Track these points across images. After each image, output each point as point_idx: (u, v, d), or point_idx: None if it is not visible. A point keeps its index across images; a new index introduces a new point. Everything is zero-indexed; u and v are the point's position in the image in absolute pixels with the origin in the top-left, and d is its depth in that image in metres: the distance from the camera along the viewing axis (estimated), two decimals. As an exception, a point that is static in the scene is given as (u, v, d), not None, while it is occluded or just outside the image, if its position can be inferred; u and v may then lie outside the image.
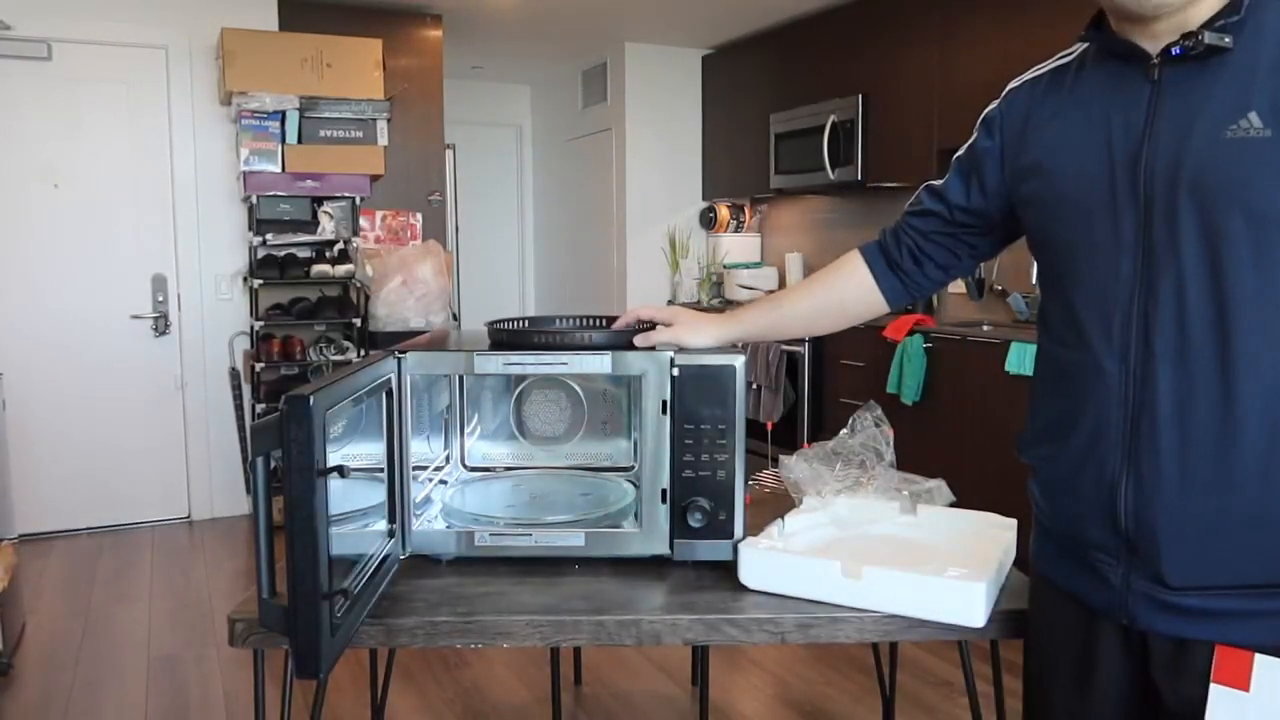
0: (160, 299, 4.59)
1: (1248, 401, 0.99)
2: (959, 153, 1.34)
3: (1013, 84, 1.26)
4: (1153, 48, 1.06)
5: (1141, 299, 1.05)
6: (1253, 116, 0.98)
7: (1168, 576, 1.05)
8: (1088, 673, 1.16)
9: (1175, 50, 1.03)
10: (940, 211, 1.35)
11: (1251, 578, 1.01)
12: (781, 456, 1.61)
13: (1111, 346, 1.07)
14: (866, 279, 1.43)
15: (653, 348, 1.47)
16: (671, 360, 1.44)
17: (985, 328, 3.99)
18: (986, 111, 1.28)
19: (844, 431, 1.59)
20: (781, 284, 5.78)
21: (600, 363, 1.47)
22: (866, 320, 1.48)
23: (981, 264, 1.49)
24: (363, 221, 4.89)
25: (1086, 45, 1.17)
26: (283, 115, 4.41)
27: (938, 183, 1.37)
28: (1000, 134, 1.25)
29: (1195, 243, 1.01)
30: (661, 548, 1.47)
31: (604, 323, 1.69)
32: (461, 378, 1.76)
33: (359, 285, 4.67)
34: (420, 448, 1.61)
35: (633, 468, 1.73)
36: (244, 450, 4.70)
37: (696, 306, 5.87)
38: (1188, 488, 1.02)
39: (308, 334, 4.65)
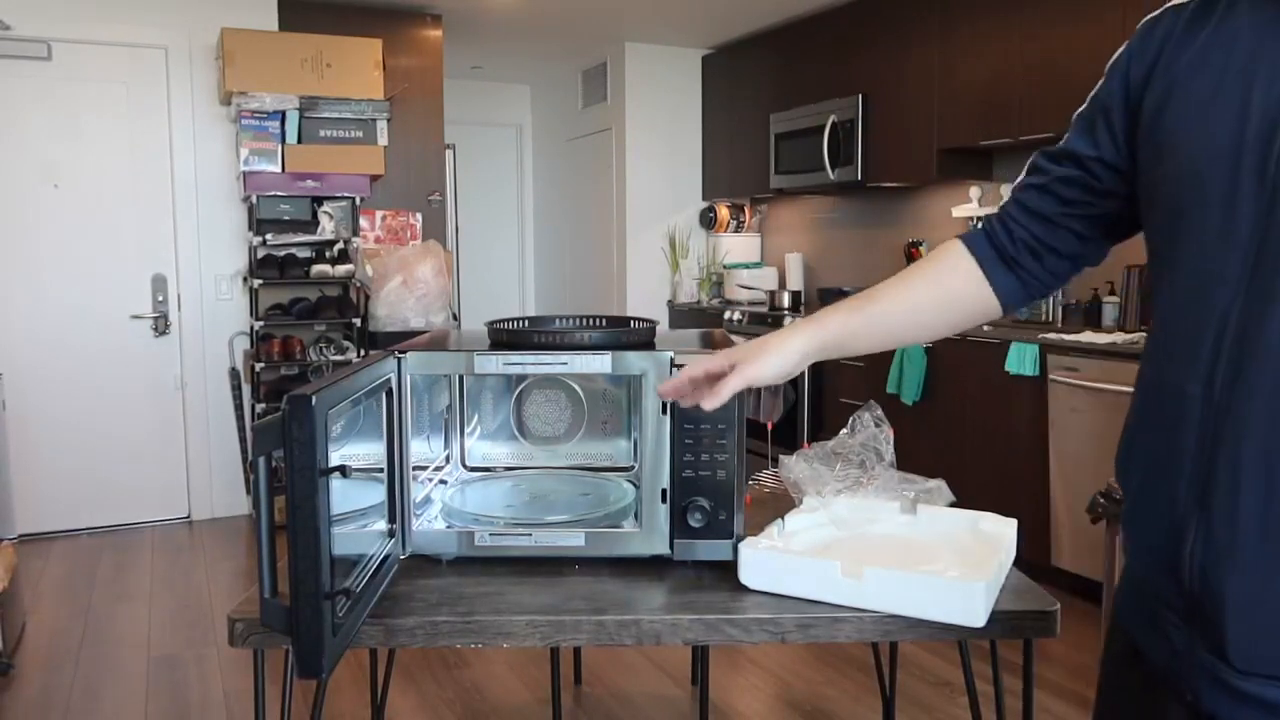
0: (160, 299, 4.59)
1: None
2: (1080, 109, 1.06)
3: (1149, 15, 0.98)
4: None
5: (1243, 309, 0.81)
6: None
7: (1231, 655, 0.83)
8: None
9: None
10: (1071, 176, 1.04)
11: None
12: (781, 456, 1.61)
13: (1197, 362, 0.85)
14: (974, 273, 1.14)
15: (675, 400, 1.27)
16: (671, 360, 1.44)
17: (985, 328, 3.99)
18: (1115, 55, 1.01)
19: (844, 431, 1.59)
20: (781, 284, 5.77)
21: (600, 363, 1.47)
22: (972, 325, 1.19)
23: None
24: (363, 221, 4.89)
25: None
26: (282, 115, 4.41)
27: (1053, 147, 1.07)
28: (1127, 77, 0.98)
29: None
30: (661, 547, 1.47)
31: (603, 322, 1.69)
32: (461, 378, 1.76)
33: (359, 285, 4.68)
34: (420, 448, 1.61)
35: (633, 468, 1.73)
36: (244, 450, 4.70)
37: (695, 306, 5.88)
38: (1269, 551, 0.80)
39: (308, 334, 4.65)
